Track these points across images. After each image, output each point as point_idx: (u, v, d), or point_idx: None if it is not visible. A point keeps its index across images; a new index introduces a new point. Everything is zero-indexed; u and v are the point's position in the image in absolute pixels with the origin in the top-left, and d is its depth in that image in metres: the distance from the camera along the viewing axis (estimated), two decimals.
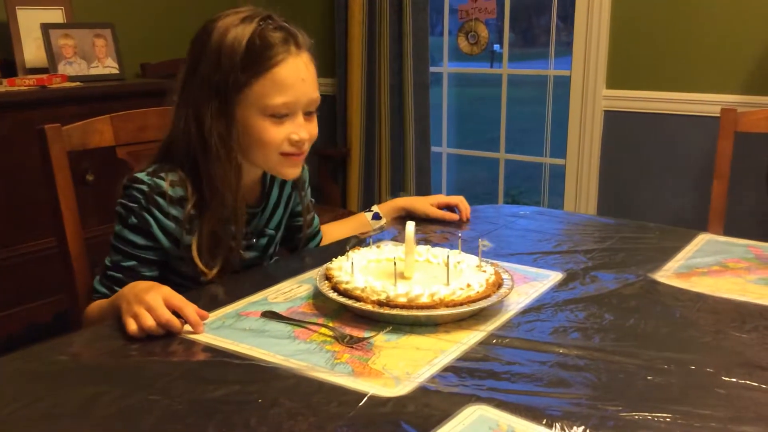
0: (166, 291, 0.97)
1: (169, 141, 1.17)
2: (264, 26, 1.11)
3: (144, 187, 1.12)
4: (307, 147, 1.17)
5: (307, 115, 1.16)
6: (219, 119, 1.11)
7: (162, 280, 1.15)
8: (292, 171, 1.19)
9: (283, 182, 1.32)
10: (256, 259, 1.27)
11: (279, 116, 1.12)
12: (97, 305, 1.13)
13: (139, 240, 1.13)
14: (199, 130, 1.12)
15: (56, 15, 2.65)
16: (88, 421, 0.75)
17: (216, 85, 1.10)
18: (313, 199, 1.44)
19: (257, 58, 1.10)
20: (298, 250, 1.43)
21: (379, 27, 2.97)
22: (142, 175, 1.13)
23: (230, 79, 1.10)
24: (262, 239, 1.27)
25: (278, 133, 1.13)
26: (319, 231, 1.47)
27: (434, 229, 1.44)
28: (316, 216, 1.46)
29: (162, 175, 1.13)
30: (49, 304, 2.28)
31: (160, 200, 1.12)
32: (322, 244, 1.46)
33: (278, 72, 1.10)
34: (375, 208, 1.51)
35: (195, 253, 1.13)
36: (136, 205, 1.12)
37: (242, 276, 1.23)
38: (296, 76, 1.12)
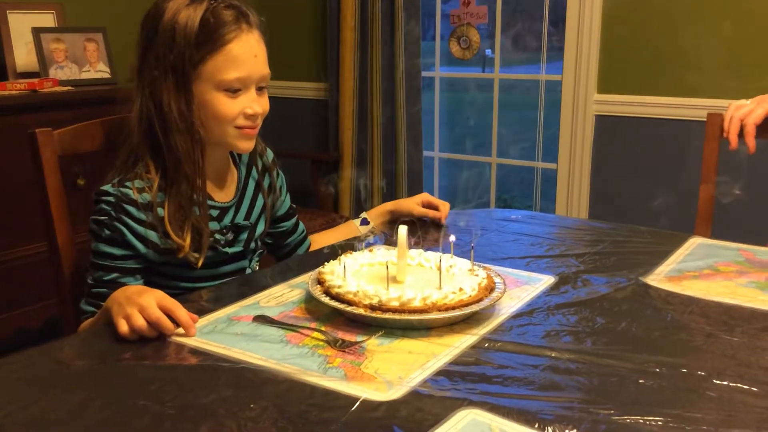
0: (159, 294, 0.97)
1: (133, 128, 1.18)
2: (215, 5, 1.15)
3: (111, 198, 1.13)
4: (259, 121, 1.21)
5: (259, 90, 1.20)
6: (177, 95, 1.14)
7: (149, 286, 1.15)
8: (247, 144, 1.22)
9: (261, 178, 1.33)
10: (240, 254, 1.27)
11: (233, 91, 1.16)
12: (87, 323, 1.13)
13: (116, 251, 1.14)
14: (158, 108, 1.15)
15: (47, 19, 2.64)
16: (79, 426, 0.74)
17: (171, 63, 1.14)
18: (294, 206, 1.45)
19: (211, 36, 1.13)
20: (287, 257, 1.44)
21: (372, 32, 2.98)
22: (107, 188, 1.15)
23: (185, 56, 1.13)
24: (242, 233, 1.28)
25: (233, 107, 1.16)
26: (306, 237, 1.48)
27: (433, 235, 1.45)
28: (300, 222, 1.46)
29: (127, 183, 1.15)
30: (40, 309, 2.27)
31: (130, 208, 1.13)
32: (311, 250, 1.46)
33: (231, 48, 1.14)
34: (363, 215, 1.52)
35: (168, 227, 1.14)
36: (106, 218, 1.13)
37: (234, 280, 1.23)
38: (249, 52, 1.16)
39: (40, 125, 1.25)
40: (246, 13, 1.17)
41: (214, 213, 1.23)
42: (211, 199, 1.23)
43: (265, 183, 1.34)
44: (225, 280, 1.23)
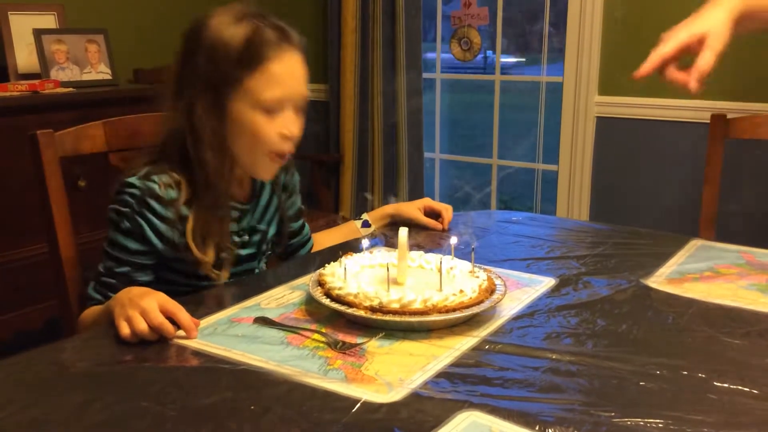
0: (161, 296, 0.97)
1: (164, 138, 1.18)
2: (259, 23, 1.13)
3: (136, 191, 1.12)
4: (293, 148, 1.19)
5: (297, 111, 1.18)
6: (212, 111, 1.13)
7: (160, 281, 1.16)
8: (270, 173, 1.21)
9: (274, 183, 1.32)
10: (252, 255, 1.28)
11: (271, 111, 1.14)
12: (91, 311, 1.12)
13: (132, 245, 1.13)
14: (192, 123, 1.14)
15: (49, 20, 2.64)
16: (80, 428, 0.74)
17: (209, 80, 1.12)
18: (303, 206, 1.44)
19: (253, 54, 1.12)
20: (289, 257, 1.44)
21: (372, 33, 2.98)
22: (133, 179, 1.13)
23: (225, 74, 1.12)
24: (255, 236, 1.28)
25: (270, 127, 1.15)
26: (310, 238, 1.48)
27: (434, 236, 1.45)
28: (306, 224, 1.46)
29: (154, 177, 1.13)
30: (40, 310, 2.27)
31: (153, 203, 1.12)
32: (312, 251, 1.46)
33: (272, 68, 1.13)
34: (365, 216, 1.52)
35: (191, 242, 1.13)
36: (128, 209, 1.12)
37: (234, 282, 1.23)
38: (289, 72, 1.15)
39: (41, 126, 1.25)
40: (289, 33, 1.16)
41: (234, 214, 1.22)
42: (233, 199, 1.22)
43: (278, 191, 1.34)
44: (233, 279, 1.23)
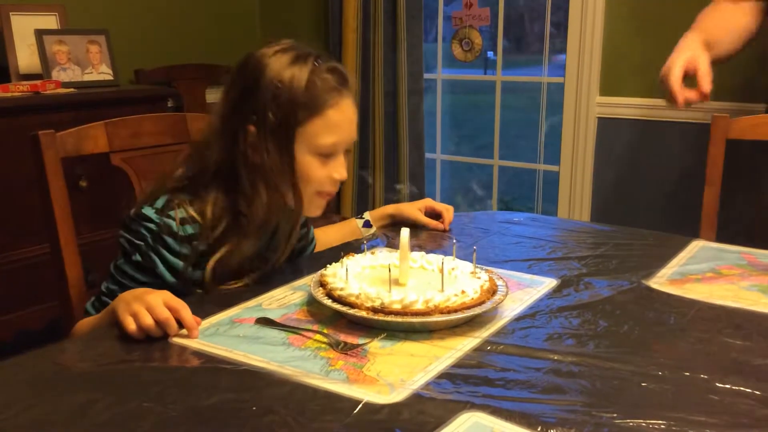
0: (165, 293, 0.97)
1: (202, 171, 1.16)
2: (319, 66, 1.14)
3: (152, 226, 1.11)
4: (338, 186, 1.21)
5: (347, 155, 1.20)
6: (281, 156, 1.13)
7: None
8: (319, 211, 1.22)
9: None
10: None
11: (325, 155, 1.15)
12: (86, 321, 1.12)
13: (140, 277, 1.12)
14: (249, 162, 1.13)
15: (50, 21, 2.65)
16: (81, 428, 0.74)
17: (274, 122, 1.12)
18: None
19: (314, 100, 1.12)
20: (293, 258, 1.43)
21: (373, 34, 2.98)
22: (150, 212, 1.12)
23: (288, 116, 1.12)
24: (272, 255, 1.26)
25: (323, 171, 1.16)
26: (313, 239, 1.48)
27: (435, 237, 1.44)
28: (311, 226, 1.46)
29: (171, 213, 1.12)
30: (42, 311, 2.27)
31: (169, 240, 1.11)
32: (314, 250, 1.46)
33: (332, 114, 1.13)
34: (366, 215, 1.52)
35: (209, 273, 1.13)
36: (142, 243, 1.11)
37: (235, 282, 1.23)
38: (346, 118, 1.16)
39: (42, 127, 1.25)
40: (346, 78, 1.16)
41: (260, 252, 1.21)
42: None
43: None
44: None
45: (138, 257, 1.12)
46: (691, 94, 1.32)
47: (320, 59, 1.15)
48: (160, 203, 1.13)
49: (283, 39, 1.18)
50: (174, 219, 1.12)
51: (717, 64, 1.44)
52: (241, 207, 1.15)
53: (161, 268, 1.12)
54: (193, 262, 1.13)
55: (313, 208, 1.21)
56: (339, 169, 1.17)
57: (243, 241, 1.15)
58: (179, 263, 1.12)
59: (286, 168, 1.14)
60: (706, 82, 1.30)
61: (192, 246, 1.13)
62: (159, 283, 1.12)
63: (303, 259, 1.41)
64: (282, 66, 1.12)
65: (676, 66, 1.33)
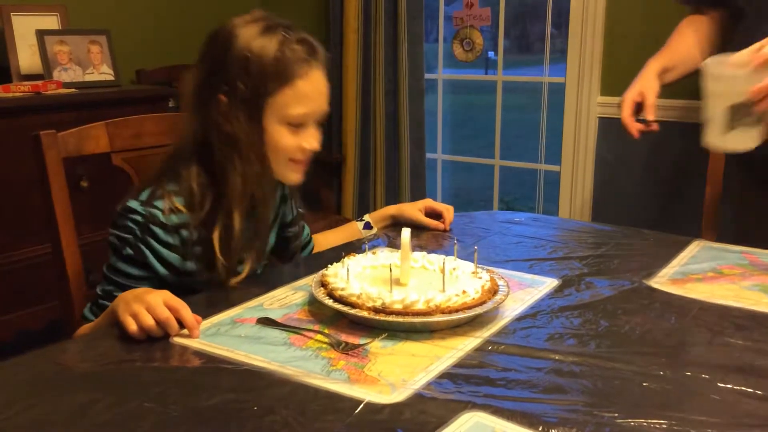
0: (165, 293, 0.97)
1: (180, 148, 1.17)
2: (289, 37, 1.14)
3: (138, 217, 1.11)
4: (312, 155, 1.21)
5: (318, 126, 1.20)
6: (250, 126, 1.14)
7: None
8: (297, 176, 1.22)
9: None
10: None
11: (295, 125, 1.16)
12: (88, 326, 1.12)
13: (134, 271, 1.13)
14: (222, 133, 1.13)
15: (51, 21, 2.65)
16: (82, 428, 0.74)
17: (243, 93, 1.12)
18: (302, 210, 1.44)
19: (283, 70, 1.12)
20: (290, 259, 1.43)
21: (374, 34, 2.98)
22: (135, 205, 1.12)
23: (259, 88, 1.12)
24: (260, 244, 1.26)
25: (293, 141, 1.16)
26: (310, 240, 1.48)
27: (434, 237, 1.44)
28: (306, 226, 1.46)
29: (156, 204, 1.12)
30: (42, 311, 2.27)
31: (157, 230, 1.11)
32: (312, 252, 1.46)
33: (302, 85, 1.14)
34: (366, 217, 1.52)
35: (218, 253, 1.13)
36: (130, 236, 1.12)
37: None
38: (316, 89, 1.16)
39: (43, 127, 1.26)
40: (316, 49, 1.17)
41: (256, 231, 1.21)
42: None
43: (278, 193, 1.34)
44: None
45: (128, 250, 1.12)
46: (641, 126, 1.45)
47: (290, 30, 1.15)
48: (144, 195, 1.14)
49: (255, 9, 1.19)
50: (160, 209, 1.12)
51: (682, 79, 1.60)
52: (219, 180, 1.15)
53: (151, 259, 1.12)
54: (183, 253, 1.13)
55: (289, 174, 1.21)
56: (309, 140, 1.18)
57: (231, 216, 1.15)
58: (170, 254, 1.13)
59: (255, 137, 1.14)
60: (650, 113, 1.44)
61: (180, 235, 1.13)
62: (152, 277, 1.13)
63: (304, 260, 1.41)
64: (251, 36, 1.13)
65: (626, 100, 1.46)
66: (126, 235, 1.12)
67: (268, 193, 1.20)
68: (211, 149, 1.15)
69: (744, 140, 1.22)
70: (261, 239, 1.22)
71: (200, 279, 1.15)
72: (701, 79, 1.23)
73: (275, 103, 1.13)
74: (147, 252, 1.11)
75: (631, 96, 1.47)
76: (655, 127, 1.43)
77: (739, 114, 1.20)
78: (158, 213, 1.12)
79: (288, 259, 1.45)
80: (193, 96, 1.17)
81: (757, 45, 1.16)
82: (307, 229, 1.46)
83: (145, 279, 1.13)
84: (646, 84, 1.48)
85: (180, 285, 1.14)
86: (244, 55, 1.11)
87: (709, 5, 1.61)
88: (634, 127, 1.44)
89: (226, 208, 1.15)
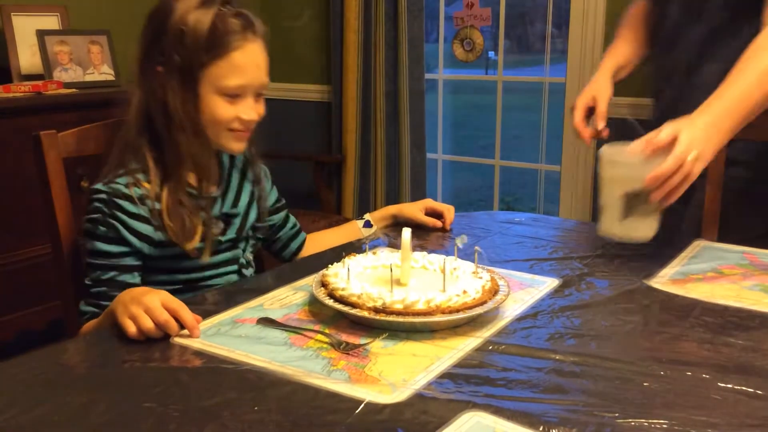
0: (164, 294, 0.97)
1: (129, 123, 1.20)
2: (224, 11, 1.17)
3: (103, 196, 1.16)
4: (253, 125, 1.24)
5: (257, 96, 1.23)
6: (184, 96, 1.17)
7: (150, 285, 1.16)
8: (238, 145, 1.25)
9: (244, 170, 1.34)
10: (231, 241, 1.28)
11: (232, 96, 1.19)
12: (89, 326, 1.13)
13: (112, 248, 1.15)
14: (162, 105, 1.17)
15: (52, 21, 2.65)
16: (82, 428, 0.74)
17: (179, 64, 1.16)
18: (283, 200, 1.46)
19: (217, 42, 1.16)
20: (282, 252, 1.46)
21: (375, 34, 2.98)
22: (99, 186, 1.17)
23: (193, 59, 1.16)
24: (232, 222, 1.29)
25: (230, 112, 1.20)
26: (300, 232, 1.48)
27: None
28: (292, 217, 1.47)
29: (118, 180, 1.17)
30: (43, 311, 2.27)
31: (123, 202, 1.15)
32: (312, 251, 1.46)
33: (236, 57, 1.17)
34: (367, 216, 1.52)
35: (168, 222, 1.16)
36: (99, 215, 1.15)
37: (237, 282, 1.23)
38: (252, 61, 1.19)
39: (44, 127, 1.26)
40: (252, 22, 1.19)
41: (202, 203, 1.24)
42: (202, 188, 1.25)
43: (250, 173, 1.36)
44: (221, 269, 1.26)
45: (101, 228, 1.15)
46: (592, 131, 1.47)
47: (228, 4, 1.18)
48: (105, 178, 1.18)
49: None
50: (122, 184, 1.16)
51: (641, 67, 1.62)
52: (164, 149, 1.19)
53: (124, 232, 1.15)
54: (153, 224, 1.17)
55: (230, 143, 1.23)
56: (247, 111, 1.21)
57: (176, 183, 1.19)
58: (141, 225, 1.16)
59: (190, 107, 1.17)
60: (600, 121, 1.46)
61: (147, 206, 1.17)
62: (131, 252, 1.16)
63: (304, 259, 1.41)
64: (188, 9, 1.16)
65: (578, 106, 1.48)
66: (95, 215, 1.15)
67: (206, 161, 1.22)
68: (154, 121, 1.18)
69: (641, 228, 1.20)
70: (208, 207, 1.24)
71: (176, 251, 1.18)
72: (598, 165, 1.23)
73: (210, 74, 1.17)
74: (118, 225, 1.15)
75: (583, 102, 1.48)
76: (605, 133, 1.45)
77: (636, 201, 1.17)
78: (120, 187, 1.16)
79: (277, 252, 1.46)
80: (137, 67, 1.21)
81: (652, 133, 1.17)
82: (292, 220, 1.48)
83: (126, 255, 1.16)
84: (600, 88, 1.50)
85: (161, 257, 1.18)
86: (179, 28, 1.15)
87: None
88: (586, 133, 1.46)
89: (171, 176, 1.19)
